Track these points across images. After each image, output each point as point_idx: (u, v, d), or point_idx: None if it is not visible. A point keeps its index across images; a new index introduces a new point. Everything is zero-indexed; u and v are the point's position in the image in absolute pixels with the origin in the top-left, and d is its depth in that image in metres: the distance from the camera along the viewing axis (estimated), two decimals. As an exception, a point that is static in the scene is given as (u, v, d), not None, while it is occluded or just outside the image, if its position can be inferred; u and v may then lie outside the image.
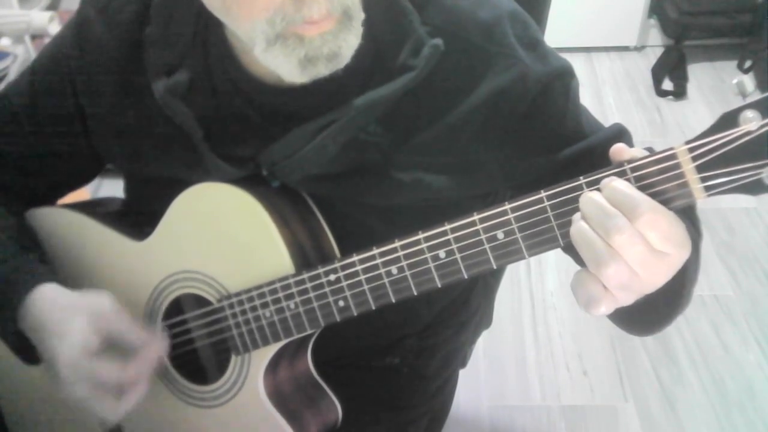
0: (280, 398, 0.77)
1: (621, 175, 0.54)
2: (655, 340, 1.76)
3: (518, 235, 0.60)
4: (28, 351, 0.76)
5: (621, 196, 0.53)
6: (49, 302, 0.74)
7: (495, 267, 0.62)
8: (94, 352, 0.71)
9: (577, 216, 0.55)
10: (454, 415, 1.11)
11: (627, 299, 0.55)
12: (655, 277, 0.54)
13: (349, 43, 0.63)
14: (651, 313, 0.64)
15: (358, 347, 0.89)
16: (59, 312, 0.73)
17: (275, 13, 0.60)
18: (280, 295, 0.71)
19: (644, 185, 0.54)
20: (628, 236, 0.51)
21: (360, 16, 0.64)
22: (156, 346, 0.74)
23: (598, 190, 0.54)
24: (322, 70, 0.64)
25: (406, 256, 0.65)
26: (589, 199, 0.54)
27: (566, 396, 1.66)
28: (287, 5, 0.60)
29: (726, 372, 1.68)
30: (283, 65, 0.64)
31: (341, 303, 0.69)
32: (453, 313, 0.99)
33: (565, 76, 0.72)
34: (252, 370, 0.76)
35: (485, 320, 1.18)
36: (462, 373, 1.14)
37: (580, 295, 0.55)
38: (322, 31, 0.61)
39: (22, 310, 0.74)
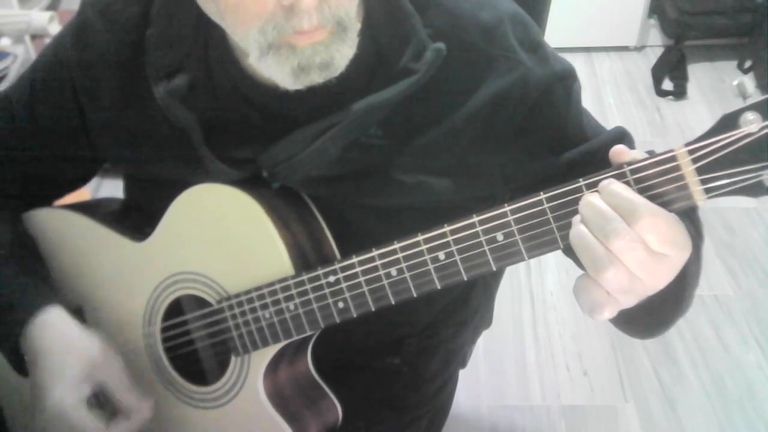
0: (280, 399, 0.77)
1: (621, 177, 0.54)
2: (655, 340, 1.76)
3: (518, 237, 0.60)
4: (24, 366, 0.77)
5: (619, 199, 0.52)
6: (51, 332, 0.75)
7: (494, 269, 0.62)
8: (83, 401, 0.72)
9: (576, 219, 0.55)
10: (454, 415, 1.11)
11: (628, 302, 0.55)
12: (656, 279, 0.54)
13: (343, 53, 0.63)
14: (652, 316, 0.64)
15: (358, 347, 0.89)
16: (59, 345, 0.74)
17: (266, 23, 0.60)
18: (280, 296, 0.71)
19: (644, 187, 0.54)
20: (627, 241, 0.51)
21: (355, 26, 0.64)
22: (141, 415, 0.75)
23: (598, 192, 0.54)
24: (316, 79, 0.64)
25: (406, 258, 0.65)
26: (588, 202, 0.54)
27: (566, 396, 1.66)
28: (278, 15, 0.59)
29: (726, 372, 1.68)
30: (276, 74, 0.64)
31: (341, 304, 0.69)
32: (453, 313, 0.99)
33: (567, 79, 0.72)
34: (252, 371, 0.76)
35: (485, 320, 1.17)
36: (462, 373, 1.14)
37: (584, 301, 0.55)
38: (313, 41, 0.61)
39: (24, 334, 0.75)
